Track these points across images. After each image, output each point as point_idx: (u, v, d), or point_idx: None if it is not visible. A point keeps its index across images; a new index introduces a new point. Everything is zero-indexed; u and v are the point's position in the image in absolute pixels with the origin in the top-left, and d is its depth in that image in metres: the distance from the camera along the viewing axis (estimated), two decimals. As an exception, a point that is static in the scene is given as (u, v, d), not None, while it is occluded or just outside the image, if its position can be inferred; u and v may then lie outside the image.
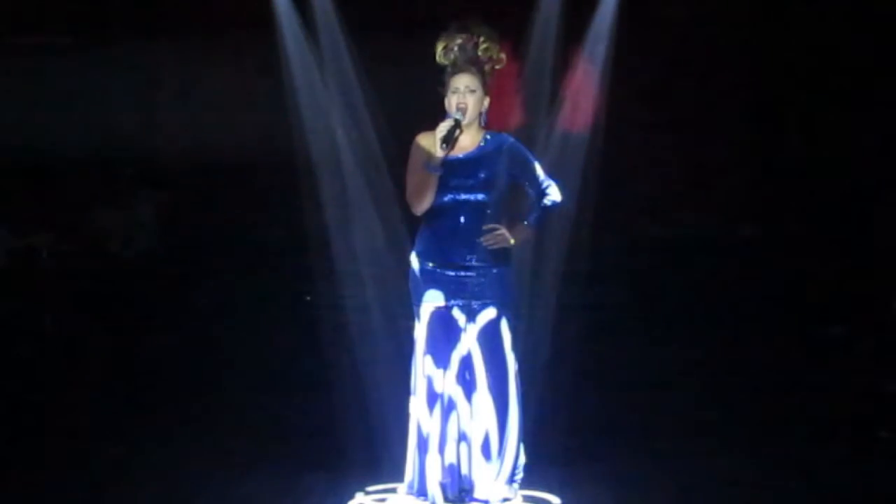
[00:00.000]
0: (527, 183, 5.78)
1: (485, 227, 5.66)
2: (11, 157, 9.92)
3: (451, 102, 5.65)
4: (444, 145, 5.52)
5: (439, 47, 5.72)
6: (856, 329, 9.64)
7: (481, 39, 5.70)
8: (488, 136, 5.73)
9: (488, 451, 5.68)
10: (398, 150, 6.26)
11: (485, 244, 5.66)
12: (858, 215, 10.45)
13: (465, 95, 5.64)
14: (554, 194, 5.79)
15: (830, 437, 7.21)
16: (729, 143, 11.10)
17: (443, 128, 5.55)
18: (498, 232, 5.67)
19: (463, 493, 5.70)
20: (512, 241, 5.70)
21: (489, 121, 5.76)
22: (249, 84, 10.66)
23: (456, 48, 5.69)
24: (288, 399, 8.17)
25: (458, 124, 5.57)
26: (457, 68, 5.67)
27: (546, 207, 5.78)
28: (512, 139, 5.80)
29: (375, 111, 8.97)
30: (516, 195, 5.83)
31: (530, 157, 5.81)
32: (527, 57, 8.74)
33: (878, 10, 9.99)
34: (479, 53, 5.70)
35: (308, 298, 10.28)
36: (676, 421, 7.59)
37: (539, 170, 5.79)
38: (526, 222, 5.78)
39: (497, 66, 5.77)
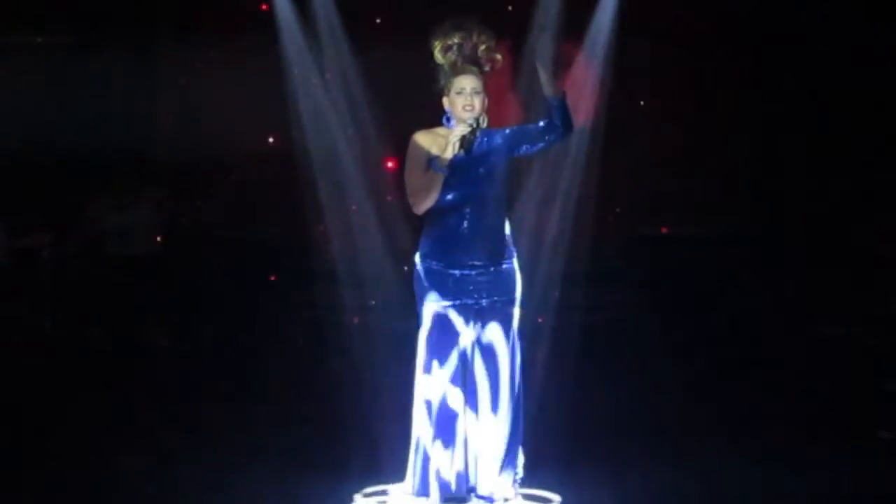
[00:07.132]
0: (530, 129, 5.65)
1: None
2: (11, 157, 9.91)
3: (457, 103, 5.61)
4: (462, 151, 5.51)
5: (437, 46, 5.66)
6: (856, 329, 9.64)
7: (481, 40, 5.66)
8: (484, 133, 5.69)
9: (490, 450, 5.67)
10: (399, 149, 6.25)
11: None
12: (858, 215, 10.46)
13: (471, 97, 5.61)
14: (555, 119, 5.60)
15: (830, 437, 7.21)
16: (730, 142, 11.09)
17: (459, 133, 5.53)
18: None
19: (464, 493, 5.69)
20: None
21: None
22: (249, 84, 10.67)
23: (455, 48, 5.65)
24: (288, 399, 8.16)
25: (474, 130, 5.56)
26: (458, 69, 5.63)
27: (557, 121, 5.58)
28: (507, 131, 5.73)
29: (375, 111, 8.98)
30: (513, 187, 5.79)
31: (516, 126, 5.72)
32: (527, 54, 8.74)
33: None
34: (479, 54, 5.67)
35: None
36: (677, 421, 7.58)
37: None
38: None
39: (496, 67, 5.75)
